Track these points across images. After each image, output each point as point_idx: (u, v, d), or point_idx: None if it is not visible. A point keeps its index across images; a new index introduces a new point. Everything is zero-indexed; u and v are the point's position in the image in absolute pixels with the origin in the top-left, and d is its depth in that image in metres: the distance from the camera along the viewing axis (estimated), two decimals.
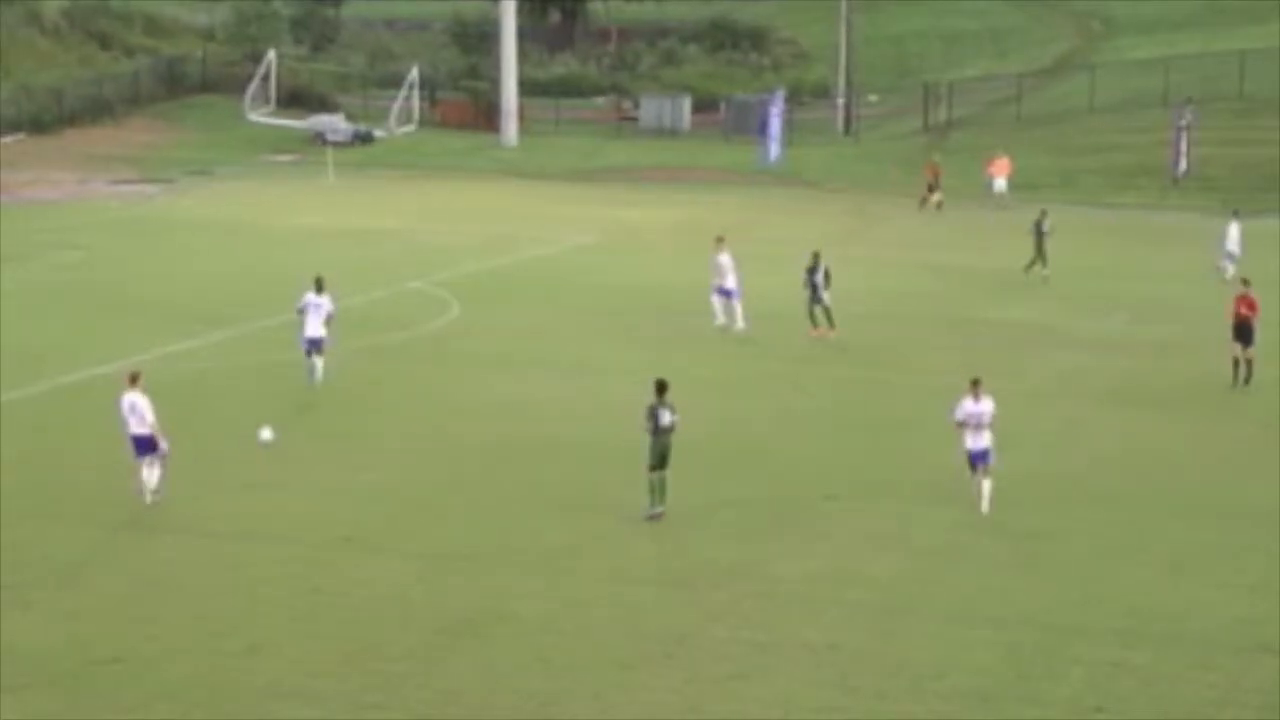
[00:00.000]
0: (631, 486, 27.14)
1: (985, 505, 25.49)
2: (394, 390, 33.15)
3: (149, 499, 25.31)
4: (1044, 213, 48.17)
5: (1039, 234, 47.09)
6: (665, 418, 25.23)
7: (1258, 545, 24.48)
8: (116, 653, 19.88)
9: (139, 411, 25.34)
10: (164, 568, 22.79)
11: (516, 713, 18.56)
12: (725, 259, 39.34)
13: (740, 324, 38.94)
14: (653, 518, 25.12)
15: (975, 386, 25.80)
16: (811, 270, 38.72)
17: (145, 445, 25.40)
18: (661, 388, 25.41)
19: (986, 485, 25.61)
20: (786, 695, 19.04)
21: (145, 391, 25.55)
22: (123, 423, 25.55)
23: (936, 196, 63.62)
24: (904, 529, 24.90)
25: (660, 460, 25.23)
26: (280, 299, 42.38)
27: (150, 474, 25.40)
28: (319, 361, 33.08)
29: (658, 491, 25.23)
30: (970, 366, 35.81)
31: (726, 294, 39.25)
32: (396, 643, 20.31)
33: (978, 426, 25.63)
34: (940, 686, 19.31)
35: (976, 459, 25.74)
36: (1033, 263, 47.10)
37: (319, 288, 33.53)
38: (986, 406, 25.77)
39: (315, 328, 33.04)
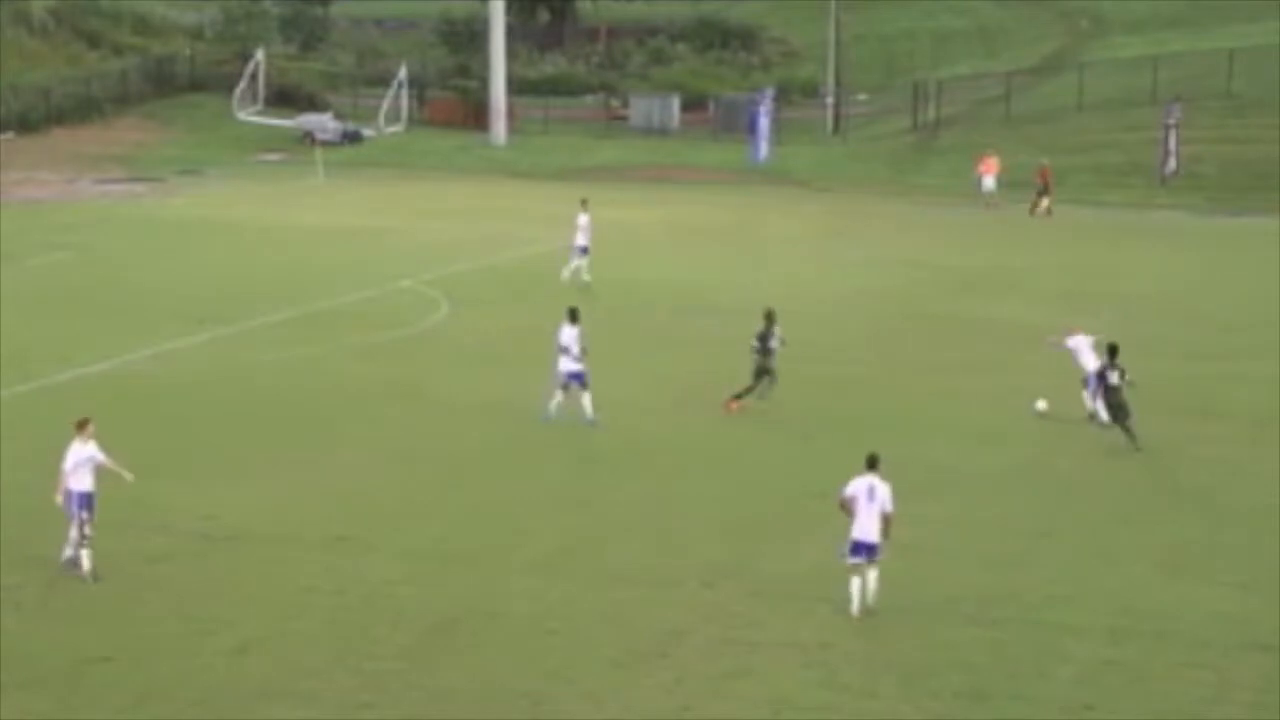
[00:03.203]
0: (624, 485, 27.19)
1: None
2: (385, 389, 33.12)
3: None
4: None
5: None
6: (1113, 378, 29.41)
7: (1248, 542, 24.53)
8: (107, 652, 19.84)
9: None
10: (155, 567, 22.74)
11: (508, 712, 18.55)
12: (585, 219, 44.60)
13: (568, 275, 44.31)
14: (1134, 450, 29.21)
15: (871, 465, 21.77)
16: (764, 337, 31.87)
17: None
18: (1113, 350, 29.57)
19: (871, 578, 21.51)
20: (778, 694, 19.03)
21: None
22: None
23: (1046, 202, 62.93)
24: (893, 527, 24.86)
25: (1115, 413, 29.53)
26: (270, 299, 42.46)
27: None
28: (561, 396, 30.55)
29: (1130, 437, 29.39)
30: (961, 364, 36.00)
31: (579, 251, 44.63)
32: (388, 642, 20.29)
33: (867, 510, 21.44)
34: (931, 685, 19.32)
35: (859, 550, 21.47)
36: None
37: (572, 318, 30.81)
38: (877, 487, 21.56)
39: (565, 361, 30.52)
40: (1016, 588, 22.53)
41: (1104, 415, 30.42)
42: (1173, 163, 68.74)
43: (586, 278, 44.37)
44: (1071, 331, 32.14)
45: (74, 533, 22.26)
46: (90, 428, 22.49)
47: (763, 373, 31.66)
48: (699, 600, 21.91)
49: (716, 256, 51.72)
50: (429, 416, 31.26)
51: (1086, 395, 31.17)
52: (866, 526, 21.34)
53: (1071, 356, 31.65)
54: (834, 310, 42.38)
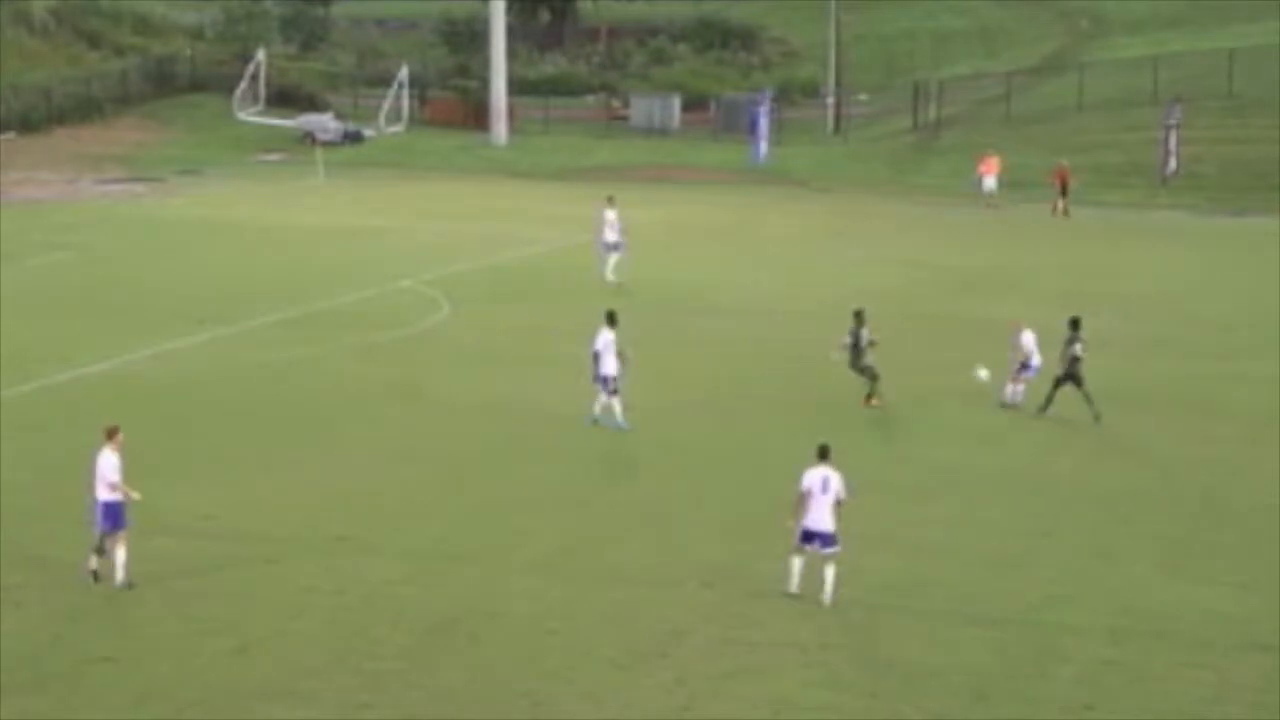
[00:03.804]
0: (624, 485, 27.20)
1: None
2: (385, 389, 33.12)
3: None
4: None
5: None
6: (1077, 349, 30.86)
7: (1248, 542, 24.53)
8: (107, 652, 19.84)
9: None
10: (155, 566, 22.70)
11: (508, 713, 18.54)
12: (610, 215, 44.97)
13: (611, 276, 44.31)
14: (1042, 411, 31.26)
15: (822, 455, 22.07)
16: (855, 336, 32.43)
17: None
18: (1075, 323, 30.97)
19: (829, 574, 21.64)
20: (778, 694, 19.03)
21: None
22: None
23: (1063, 203, 62.68)
24: (893, 527, 24.88)
25: (1066, 377, 30.94)
26: (270, 299, 42.47)
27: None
28: (603, 400, 30.41)
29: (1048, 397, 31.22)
30: (961, 364, 35.95)
31: (609, 248, 44.83)
32: (388, 642, 20.28)
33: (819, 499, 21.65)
34: (931, 685, 19.31)
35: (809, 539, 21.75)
36: None
37: (611, 321, 30.53)
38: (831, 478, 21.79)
39: (609, 364, 30.14)
40: (1016, 588, 22.53)
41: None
42: (1173, 163, 68.76)
43: (615, 277, 44.54)
44: (1019, 328, 32.38)
45: (122, 550, 21.84)
46: (120, 436, 22.17)
47: (862, 370, 32.29)
48: (699, 600, 21.90)
49: (716, 256, 51.75)
50: (429, 416, 31.26)
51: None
52: (819, 516, 21.52)
53: (1022, 351, 31.94)
54: (834, 310, 42.31)
